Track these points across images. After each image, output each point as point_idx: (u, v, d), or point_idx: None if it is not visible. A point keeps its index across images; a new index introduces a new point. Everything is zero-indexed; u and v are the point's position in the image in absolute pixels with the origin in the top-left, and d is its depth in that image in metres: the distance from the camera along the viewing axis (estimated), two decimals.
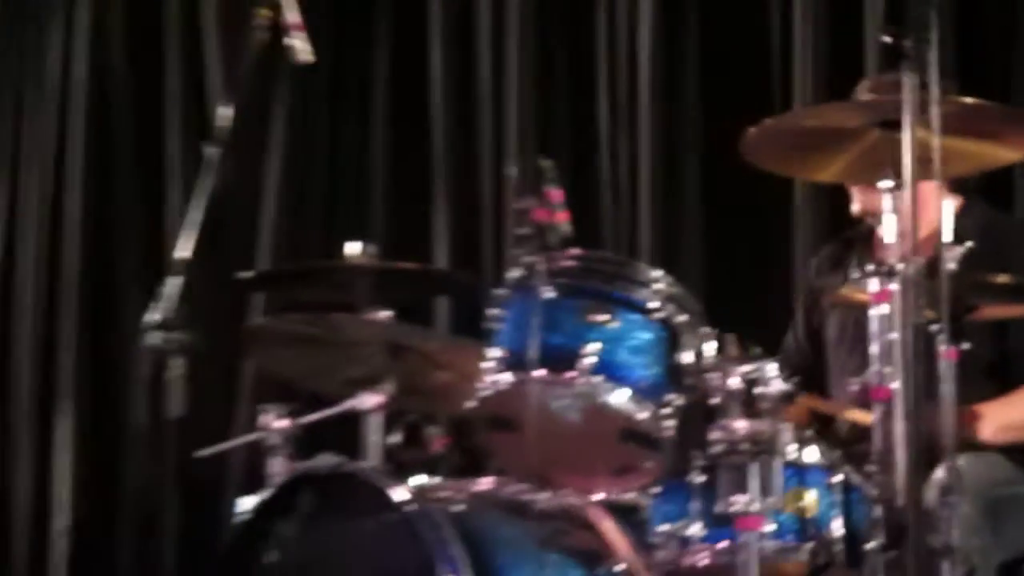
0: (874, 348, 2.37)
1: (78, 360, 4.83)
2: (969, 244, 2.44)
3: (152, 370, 3.78)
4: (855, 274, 2.85)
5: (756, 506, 2.37)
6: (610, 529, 2.71)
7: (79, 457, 4.73)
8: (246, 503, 2.84)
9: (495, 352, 2.66)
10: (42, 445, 4.80)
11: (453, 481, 2.87)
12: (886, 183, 2.42)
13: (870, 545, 2.30)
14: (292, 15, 2.89)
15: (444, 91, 4.76)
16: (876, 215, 2.70)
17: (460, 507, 2.72)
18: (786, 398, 2.48)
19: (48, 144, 4.99)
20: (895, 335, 2.21)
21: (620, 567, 2.65)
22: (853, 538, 2.46)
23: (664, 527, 2.59)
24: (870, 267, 2.45)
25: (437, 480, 2.90)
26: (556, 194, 2.57)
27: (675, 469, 2.64)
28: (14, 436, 4.77)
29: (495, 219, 4.56)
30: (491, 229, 4.55)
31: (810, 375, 3.16)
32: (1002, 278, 2.58)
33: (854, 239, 3.43)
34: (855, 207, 3.14)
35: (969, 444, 2.73)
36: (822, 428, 2.93)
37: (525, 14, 4.72)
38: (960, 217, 2.73)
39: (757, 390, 2.46)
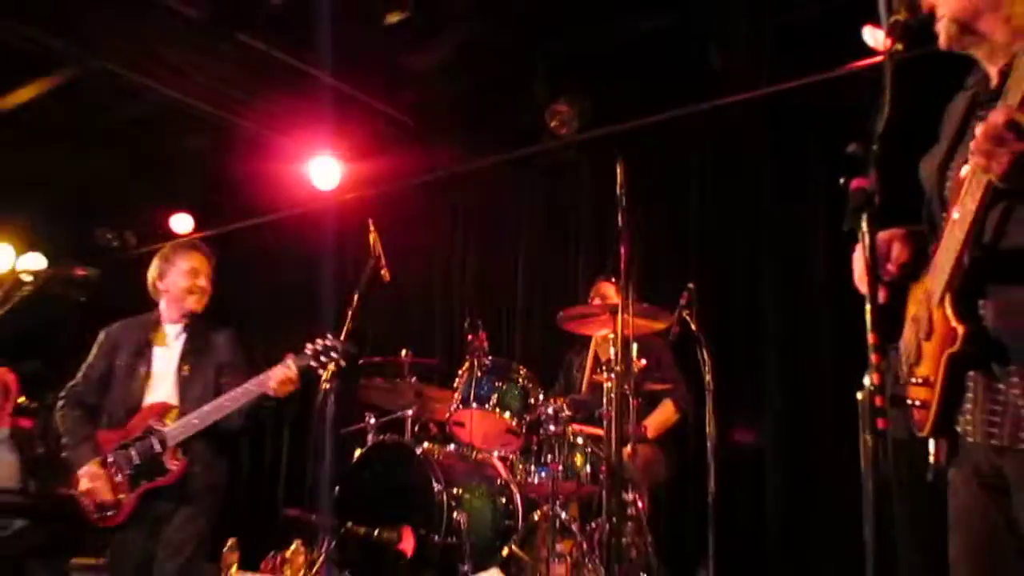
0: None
1: None
2: (643, 361, 5.12)
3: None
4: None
5: (559, 458, 4.78)
6: (500, 467, 5.16)
7: None
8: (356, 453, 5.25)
9: (457, 394, 5.23)
10: None
11: (439, 446, 5.29)
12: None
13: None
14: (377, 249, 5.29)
15: None
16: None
17: (440, 457, 5.07)
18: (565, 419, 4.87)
19: None
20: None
21: (501, 481, 5.08)
22: (595, 476, 4.86)
23: (519, 466, 5.17)
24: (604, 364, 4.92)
25: (431, 445, 5.28)
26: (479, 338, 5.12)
27: (526, 443, 5.11)
28: None
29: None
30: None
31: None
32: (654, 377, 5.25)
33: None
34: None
35: (644, 439, 5.19)
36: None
37: None
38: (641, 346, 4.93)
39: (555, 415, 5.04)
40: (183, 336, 4.56)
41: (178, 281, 4.56)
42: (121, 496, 4.22)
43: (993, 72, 2.30)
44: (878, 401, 2.00)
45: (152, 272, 4.65)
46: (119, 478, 4.24)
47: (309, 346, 4.35)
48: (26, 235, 8.62)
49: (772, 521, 5.96)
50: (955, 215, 2.16)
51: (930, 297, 2.27)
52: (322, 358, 4.31)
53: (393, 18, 6.28)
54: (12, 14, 6.36)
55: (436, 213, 8.00)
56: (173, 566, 4.17)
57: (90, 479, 4.18)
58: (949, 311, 2.16)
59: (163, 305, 4.61)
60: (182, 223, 9.03)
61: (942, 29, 2.36)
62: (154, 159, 8.77)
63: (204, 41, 6.49)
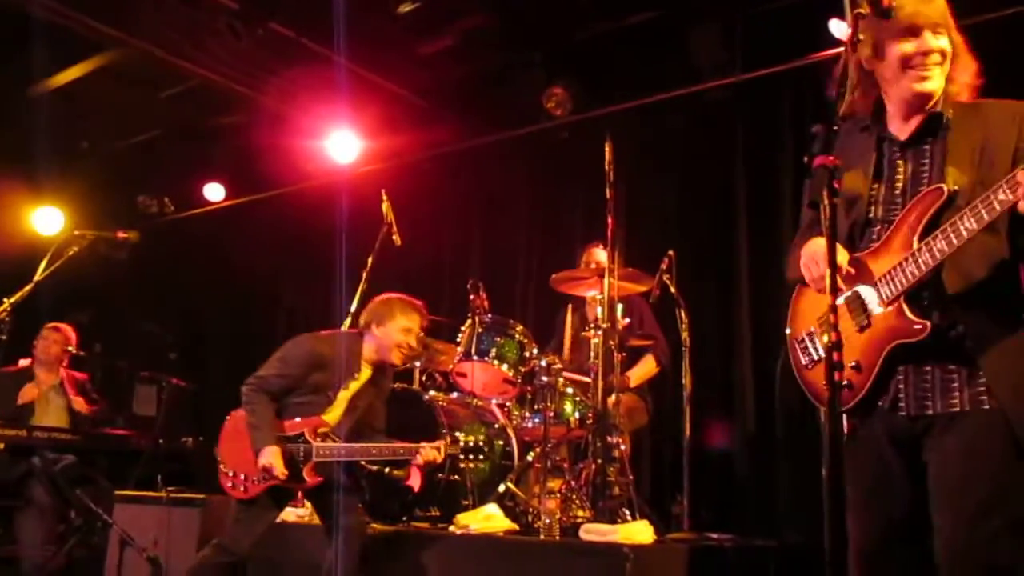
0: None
1: None
2: (627, 320, 5.15)
3: None
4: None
5: (551, 405, 4.83)
6: (498, 413, 5.22)
7: None
8: None
9: (460, 348, 5.24)
10: None
11: (444, 394, 5.44)
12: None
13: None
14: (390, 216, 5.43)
15: None
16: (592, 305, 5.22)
17: (444, 403, 5.14)
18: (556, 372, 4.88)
19: None
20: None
21: (498, 425, 5.15)
22: (583, 422, 4.88)
23: (515, 412, 5.35)
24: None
25: (437, 393, 5.40)
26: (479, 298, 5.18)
27: (522, 392, 5.20)
28: None
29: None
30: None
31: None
32: (637, 334, 5.28)
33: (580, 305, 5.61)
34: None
35: (627, 388, 5.18)
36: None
37: None
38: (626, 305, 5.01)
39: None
40: (372, 377, 4.44)
41: (393, 335, 4.36)
42: (255, 478, 4.18)
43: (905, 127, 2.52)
44: (836, 356, 2.03)
45: (369, 313, 4.48)
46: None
47: (461, 436, 4.29)
48: (75, 201, 8.67)
49: (740, 461, 6.01)
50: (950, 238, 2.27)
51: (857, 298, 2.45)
52: (470, 455, 4.24)
53: (405, 8, 6.36)
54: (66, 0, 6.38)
55: (445, 186, 8.00)
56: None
57: (269, 456, 4.03)
58: (908, 311, 2.34)
59: (368, 344, 4.40)
60: (214, 191, 9.01)
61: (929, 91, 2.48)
62: (190, 133, 8.78)
63: (238, 27, 6.45)
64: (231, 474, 4.22)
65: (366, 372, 4.38)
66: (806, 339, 2.63)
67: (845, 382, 2.30)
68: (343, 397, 4.27)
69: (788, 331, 2.70)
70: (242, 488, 4.19)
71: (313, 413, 4.20)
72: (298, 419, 4.19)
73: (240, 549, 4.16)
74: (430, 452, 4.12)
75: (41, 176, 8.33)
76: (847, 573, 2.26)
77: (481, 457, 4.27)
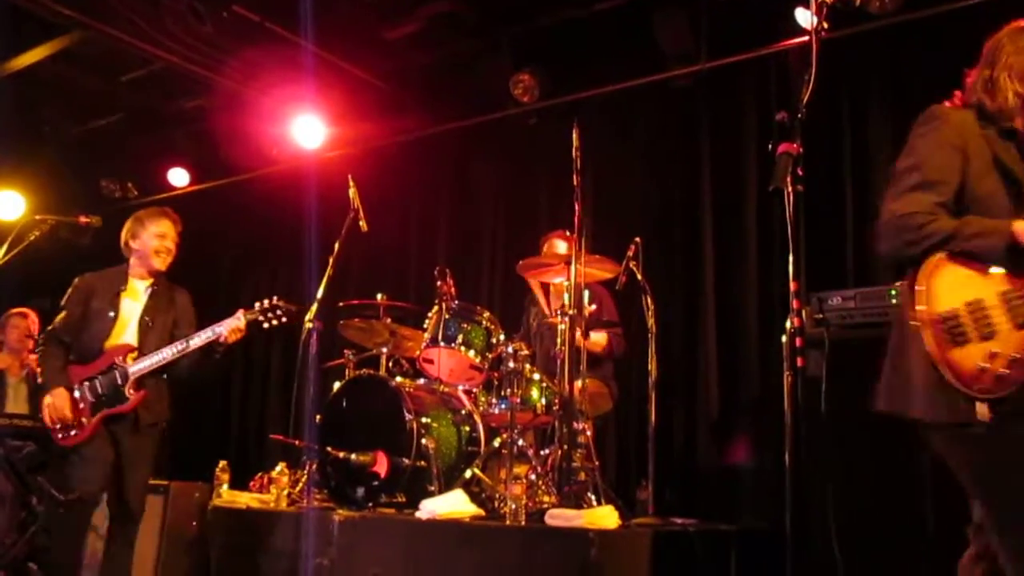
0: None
1: None
2: (593, 306, 5.17)
3: None
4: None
5: (517, 391, 4.73)
6: (464, 399, 5.19)
7: None
8: (335, 385, 5.15)
9: (427, 334, 5.22)
10: None
11: (411, 380, 5.31)
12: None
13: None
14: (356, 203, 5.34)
15: None
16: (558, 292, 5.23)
17: (411, 389, 5.05)
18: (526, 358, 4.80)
19: None
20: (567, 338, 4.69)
21: (465, 411, 5.11)
22: (549, 408, 4.85)
23: (482, 398, 5.20)
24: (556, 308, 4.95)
25: (403, 379, 5.24)
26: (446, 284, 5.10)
27: (488, 378, 5.11)
28: None
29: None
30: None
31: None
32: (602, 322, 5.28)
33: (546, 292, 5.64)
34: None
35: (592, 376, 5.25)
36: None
37: None
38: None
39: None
40: (149, 291, 4.72)
41: (148, 242, 4.71)
42: (83, 419, 4.42)
43: None
44: (798, 342, 2.05)
45: (125, 232, 4.79)
46: (83, 405, 4.44)
47: (257, 304, 4.63)
48: (36, 185, 8.54)
49: (704, 448, 6.04)
50: None
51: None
52: (269, 315, 4.59)
53: None
54: None
55: (412, 172, 7.98)
56: (134, 475, 4.50)
57: (53, 398, 4.38)
58: None
59: (132, 261, 4.76)
60: (179, 176, 8.91)
61: None
62: (153, 117, 8.70)
63: (201, 10, 6.38)
64: (58, 427, 4.42)
65: (136, 286, 4.72)
66: (959, 316, 2.45)
67: (1002, 370, 2.33)
68: (128, 317, 4.61)
69: (921, 307, 2.47)
70: (72, 432, 4.41)
71: (105, 336, 4.53)
72: (104, 352, 4.51)
73: (90, 491, 4.41)
74: (231, 323, 4.53)
75: (1, 160, 8.19)
76: (807, 557, 2.30)
77: (279, 313, 4.61)
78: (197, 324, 4.75)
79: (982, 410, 2.33)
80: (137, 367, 4.48)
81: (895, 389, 2.49)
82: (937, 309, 2.44)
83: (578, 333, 4.60)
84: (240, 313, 4.58)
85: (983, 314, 2.40)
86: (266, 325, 4.64)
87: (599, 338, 5.39)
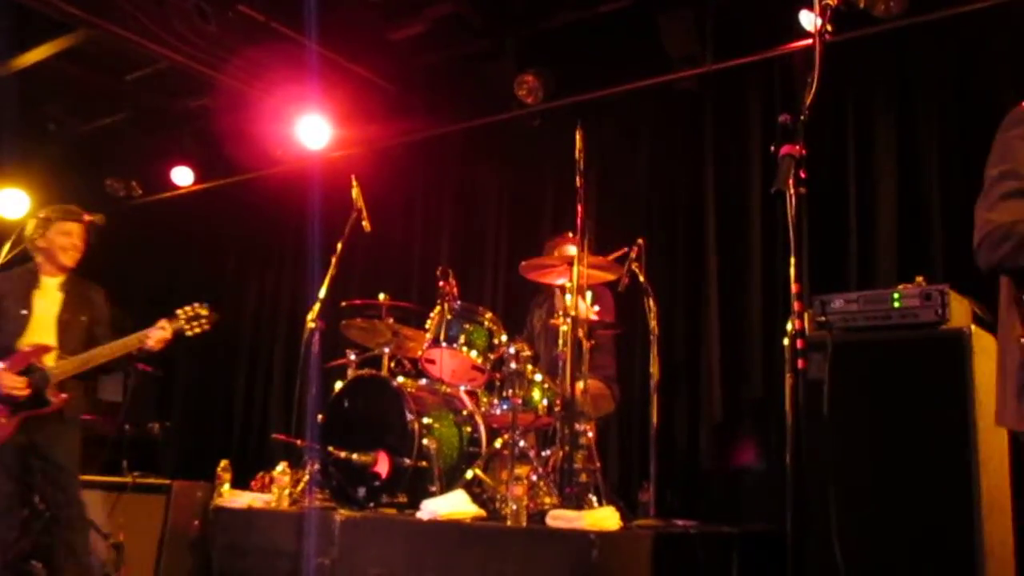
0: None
1: None
2: (596, 308, 5.15)
3: None
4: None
5: (519, 392, 4.70)
6: (466, 400, 5.14)
7: None
8: (337, 385, 5.13)
9: (429, 335, 5.16)
10: None
11: (412, 381, 5.25)
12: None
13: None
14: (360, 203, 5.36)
15: None
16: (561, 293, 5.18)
17: (413, 389, 5.01)
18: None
19: None
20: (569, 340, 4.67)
21: (467, 412, 5.08)
22: (551, 409, 4.76)
23: (484, 399, 5.09)
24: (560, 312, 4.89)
25: (405, 379, 5.16)
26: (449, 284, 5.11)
27: (490, 379, 5.06)
28: None
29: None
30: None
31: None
32: (603, 324, 5.32)
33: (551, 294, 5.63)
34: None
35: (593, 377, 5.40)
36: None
37: None
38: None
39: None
40: (63, 289, 4.82)
41: (55, 240, 4.80)
42: (2, 420, 4.48)
43: None
44: (799, 344, 2.04)
45: (32, 231, 4.86)
46: (2, 406, 4.50)
47: (181, 312, 4.81)
48: (41, 183, 8.55)
49: (706, 450, 6.03)
50: None
51: None
52: (193, 323, 4.78)
53: None
54: None
55: (415, 172, 7.98)
56: (54, 477, 4.59)
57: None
58: None
59: (40, 260, 4.84)
60: (183, 175, 8.92)
61: None
62: (158, 116, 8.70)
63: (207, 9, 6.39)
64: None
65: (48, 284, 4.80)
66: None
67: None
68: (44, 317, 4.68)
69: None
70: None
71: (19, 334, 4.57)
72: (20, 352, 4.55)
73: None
74: (156, 333, 4.66)
75: (6, 158, 8.17)
76: (808, 559, 2.29)
77: (203, 321, 4.83)
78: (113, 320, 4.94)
79: None
80: (58, 371, 4.56)
81: (998, 402, 2.51)
82: None
83: (580, 333, 4.58)
84: (164, 323, 4.73)
85: None
86: (190, 333, 4.79)
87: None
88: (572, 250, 5.31)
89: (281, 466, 4.96)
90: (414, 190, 8.02)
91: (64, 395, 4.53)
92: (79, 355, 4.60)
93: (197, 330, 4.79)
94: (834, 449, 3.44)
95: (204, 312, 4.80)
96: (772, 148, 2.08)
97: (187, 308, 4.81)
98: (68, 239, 4.84)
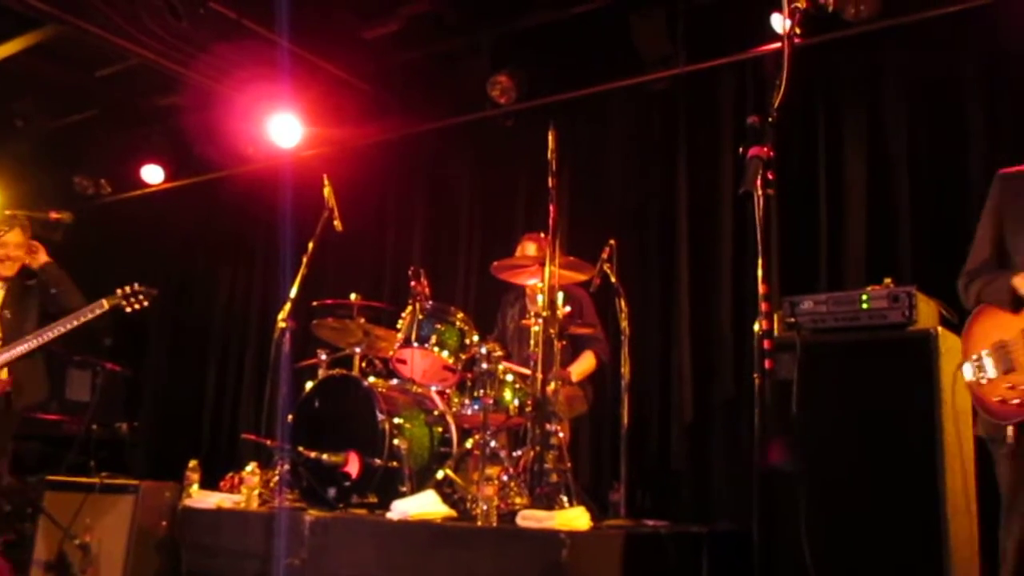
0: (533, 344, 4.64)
1: None
2: (568, 308, 5.09)
3: None
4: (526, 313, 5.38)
5: (490, 392, 4.79)
6: (437, 400, 5.16)
7: None
8: (308, 385, 5.14)
9: (401, 335, 5.19)
10: None
11: (383, 380, 5.27)
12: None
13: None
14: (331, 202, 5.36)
15: None
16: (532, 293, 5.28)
17: (384, 389, 5.01)
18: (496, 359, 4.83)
19: None
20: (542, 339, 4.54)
21: (438, 412, 5.08)
22: (522, 409, 4.79)
23: (455, 399, 5.16)
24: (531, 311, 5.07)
25: (376, 379, 5.20)
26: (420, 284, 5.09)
27: (461, 379, 5.09)
28: None
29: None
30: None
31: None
32: (577, 323, 5.22)
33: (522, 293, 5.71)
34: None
35: (569, 381, 5.18)
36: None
37: None
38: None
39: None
40: (3, 289, 5.14)
41: None
42: None
43: None
44: (766, 344, 2.06)
45: None
46: None
47: (119, 290, 5.06)
48: (8, 180, 8.48)
49: (678, 450, 6.05)
50: None
51: None
52: (131, 299, 5.04)
53: None
54: None
55: (387, 172, 7.95)
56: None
57: None
58: None
59: None
60: (153, 173, 8.85)
61: None
62: (128, 113, 8.64)
63: (177, 6, 6.34)
64: None
65: None
66: (982, 358, 2.93)
67: (1015, 400, 2.75)
68: None
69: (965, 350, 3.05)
70: None
71: None
72: None
73: None
74: (95, 312, 4.99)
75: None
76: (777, 559, 2.33)
77: (141, 297, 5.10)
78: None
79: (1009, 432, 2.76)
80: (3, 356, 4.92)
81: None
82: (970, 351, 3.00)
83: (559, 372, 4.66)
84: (103, 301, 5.02)
85: (1005, 352, 2.82)
86: (128, 309, 5.04)
87: (586, 366, 5.45)
88: (531, 248, 5.43)
89: (251, 466, 4.94)
90: (386, 189, 8.00)
91: (8, 377, 4.88)
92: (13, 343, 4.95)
93: (136, 306, 5.03)
94: (803, 449, 3.46)
95: (143, 289, 5.06)
96: (740, 149, 2.09)
97: (127, 286, 5.05)
98: (2, 250, 5.12)
